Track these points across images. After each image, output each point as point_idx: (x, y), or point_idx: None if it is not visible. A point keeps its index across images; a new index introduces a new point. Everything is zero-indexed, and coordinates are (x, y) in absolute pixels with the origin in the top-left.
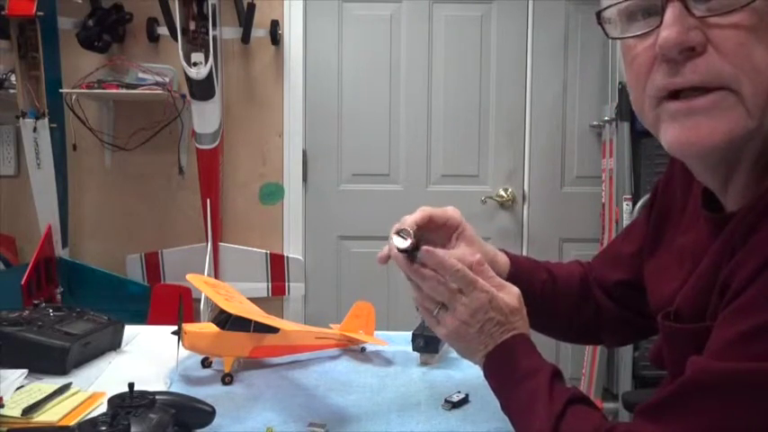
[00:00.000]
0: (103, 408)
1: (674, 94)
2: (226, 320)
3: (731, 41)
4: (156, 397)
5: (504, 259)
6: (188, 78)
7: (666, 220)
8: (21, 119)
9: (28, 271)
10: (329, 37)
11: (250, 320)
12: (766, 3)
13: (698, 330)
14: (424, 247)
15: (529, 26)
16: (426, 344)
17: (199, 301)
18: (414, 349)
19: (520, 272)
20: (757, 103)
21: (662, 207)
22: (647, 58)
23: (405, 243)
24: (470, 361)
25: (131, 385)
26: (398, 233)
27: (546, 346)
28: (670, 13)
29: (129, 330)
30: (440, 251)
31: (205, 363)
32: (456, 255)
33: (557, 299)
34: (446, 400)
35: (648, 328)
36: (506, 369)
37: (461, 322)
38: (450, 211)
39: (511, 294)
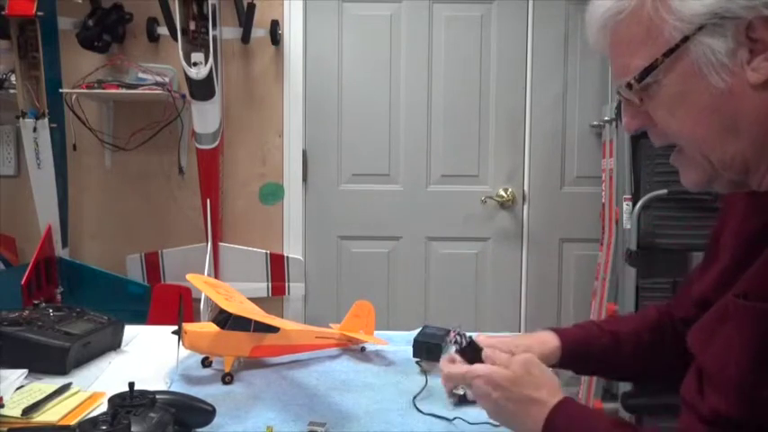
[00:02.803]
0: (104, 407)
1: None
2: (226, 320)
3: (659, 114)
4: (157, 396)
5: (553, 346)
6: (188, 78)
7: (722, 231)
8: (21, 119)
9: (28, 271)
10: (329, 37)
11: (250, 320)
12: (678, 78)
13: None
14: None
15: (529, 26)
16: (428, 351)
17: (199, 301)
18: (414, 355)
19: (573, 345)
20: (697, 157)
21: (720, 223)
22: None
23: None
24: None
25: (132, 385)
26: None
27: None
28: (622, 106)
29: (129, 330)
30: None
31: (205, 362)
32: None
33: (623, 357)
34: (453, 393)
35: None
36: None
37: (488, 413)
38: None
39: (513, 364)
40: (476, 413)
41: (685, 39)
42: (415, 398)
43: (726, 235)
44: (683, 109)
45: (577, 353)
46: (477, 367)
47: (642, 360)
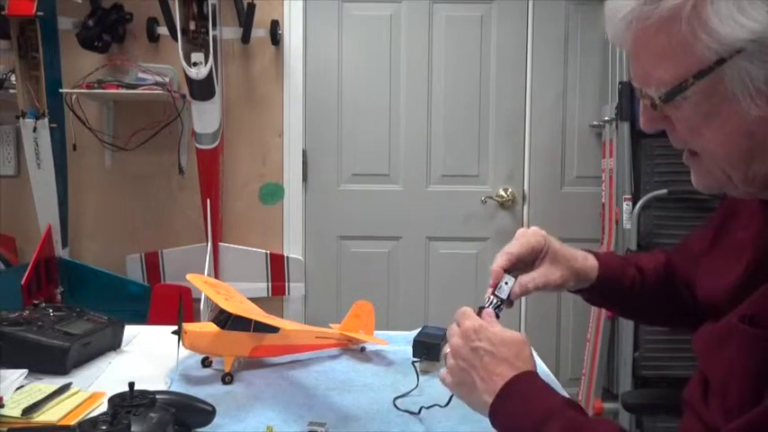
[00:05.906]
0: (104, 407)
1: None
2: (226, 320)
3: (682, 126)
4: (157, 396)
5: (593, 263)
6: (188, 78)
7: (732, 216)
8: (21, 119)
9: (28, 271)
10: (329, 37)
11: (250, 320)
12: (707, 99)
13: None
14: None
15: (529, 26)
16: (428, 351)
17: (199, 301)
18: (414, 355)
19: (609, 272)
20: (715, 170)
21: (731, 204)
22: None
23: (505, 291)
24: (479, 412)
25: (132, 385)
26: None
27: (546, 345)
28: (641, 106)
29: (129, 330)
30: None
31: (205, 362)
32: (534, 277)
33: (645, 292)
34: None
35: None
36: (515, 415)
37: (454, 355)
38: (533, 241)
39: (504, 332)
40: (477, 413)
41: (721, 61)
42: (395, 399)
43: (738, 232)
44: (710, 128)
45: (611, 278)
46: (474, 316)
47: (659, 297)
